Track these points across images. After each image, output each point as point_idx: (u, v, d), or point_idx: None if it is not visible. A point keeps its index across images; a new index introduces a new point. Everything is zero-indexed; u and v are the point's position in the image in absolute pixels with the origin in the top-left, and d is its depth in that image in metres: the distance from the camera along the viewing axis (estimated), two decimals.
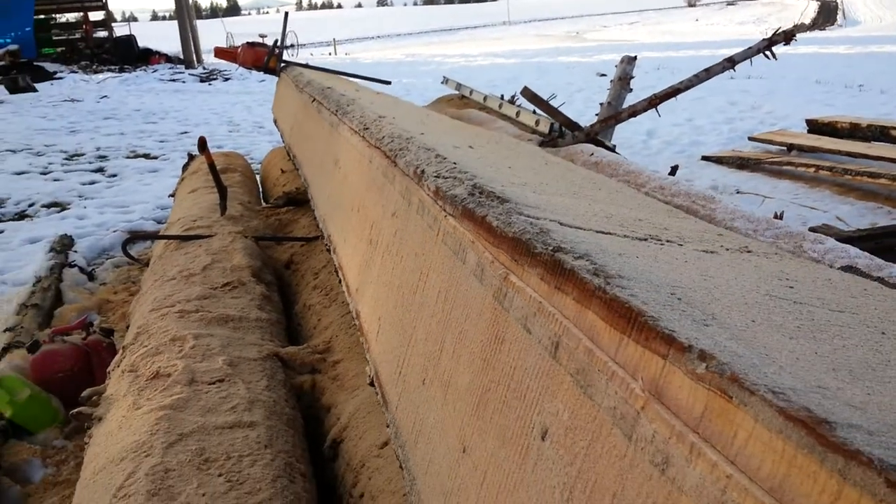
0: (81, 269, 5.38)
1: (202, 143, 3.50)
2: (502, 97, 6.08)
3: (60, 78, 18.89)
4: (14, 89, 15.70)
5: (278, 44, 5.66)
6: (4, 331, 4.29)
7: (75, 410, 2.40)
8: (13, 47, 19.70)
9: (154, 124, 11.91)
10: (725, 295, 0.87)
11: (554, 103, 5.15)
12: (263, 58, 5.71)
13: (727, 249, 1.20)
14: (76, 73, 20.23)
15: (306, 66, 5.80)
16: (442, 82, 7.17)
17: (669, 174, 4.04)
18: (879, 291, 1.08)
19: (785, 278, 1.03)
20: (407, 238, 1.61)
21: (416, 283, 1.46)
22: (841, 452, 0.49)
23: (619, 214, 1.36)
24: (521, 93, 4.93)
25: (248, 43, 5.79)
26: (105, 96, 14.99)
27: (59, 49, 23.61)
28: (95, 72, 20.38)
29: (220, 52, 6.45)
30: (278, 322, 3.01)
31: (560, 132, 5.09)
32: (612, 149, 5.14)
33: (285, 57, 6.02)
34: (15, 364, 3.73)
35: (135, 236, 4.14)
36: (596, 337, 0.80)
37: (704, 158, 8.70)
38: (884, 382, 0.65)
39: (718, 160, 8.49)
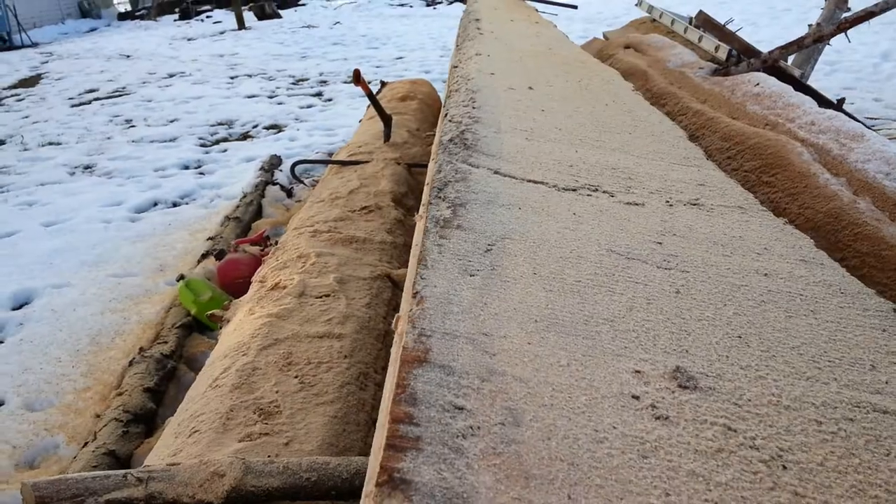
0: (282, 187, 5.93)
1: (356, 76, 3.76)
2: (690, 21, 5.81)
3: (304, 4, 20.22)
4: (261, 16, 17.09)
5: None
6: (207, 239, 4.90)
7: (209, 312, 2.79)
8: None
9: (375, 49, 12.54)
10: (558, 247, 0.95)
11: (732, 27, 4.90)
12: None
13: (667, 202, 1.24)
14: None
15: None
16: (636, 4, 6.95)
17: (836, 108, 3.78)
18: (778, 247, 1.08)
19: (672, 235, 1.07)
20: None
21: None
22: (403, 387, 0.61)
23: (596, 163, 1.42)
24: (696, 17, 4.74)
25: None
26: (338, 22, 15.93)
27: None
28: None
29: None
30: (405, 245, 3.25)
31: (738, 58, 4.85)
32: (798, 77, 4.82)
33: None
34: (208, 269, 4.30)
35: (301, 161, 4.55)
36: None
37: None
38: (567, 335, 0.73)
39: None
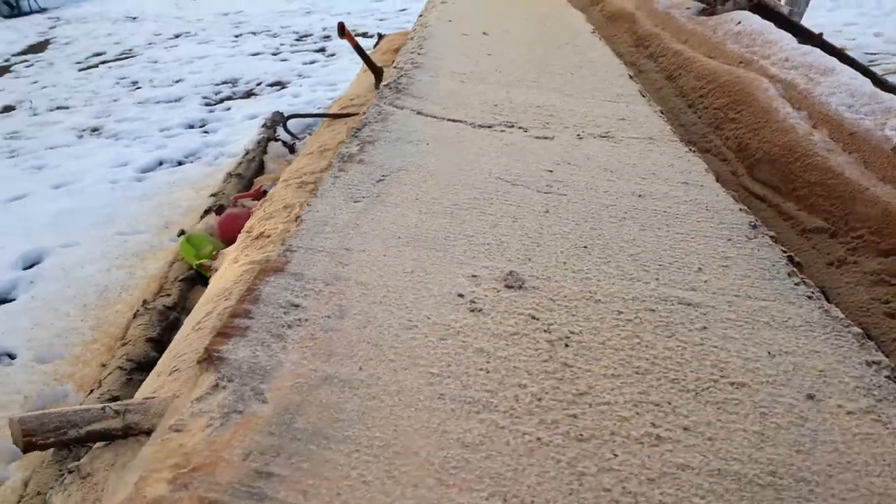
0: (284, 143, 6.02)
1: (341, 28, 3.82)
2: None
3: None
4: None
5: None
6: (210, 196, 5.03)
7: (197, 262, 2.92)
8: None
9: (379, 2, 12.50)
10: (449, 176, 1.06)
11: None
12: None
13: (578, 136, 1.34)
14: None
15: None
16: None
17: (815, 44, 3.80)
18: (667, 172, 1.18)
19: (567, 164, 1.17)
20: None
21: None
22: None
23: (524, 101, 1.51)
24: None
25: None
26: None
27: None
28: None
29: None
30: None
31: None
32: (786, 15, 4.83)
33: None
34: (209, 224, 4.44)
35: (293, 115, 4.64)
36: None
37: None
38: (424, 249, 0.84)
39: None
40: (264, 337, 0.64)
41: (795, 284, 0.83)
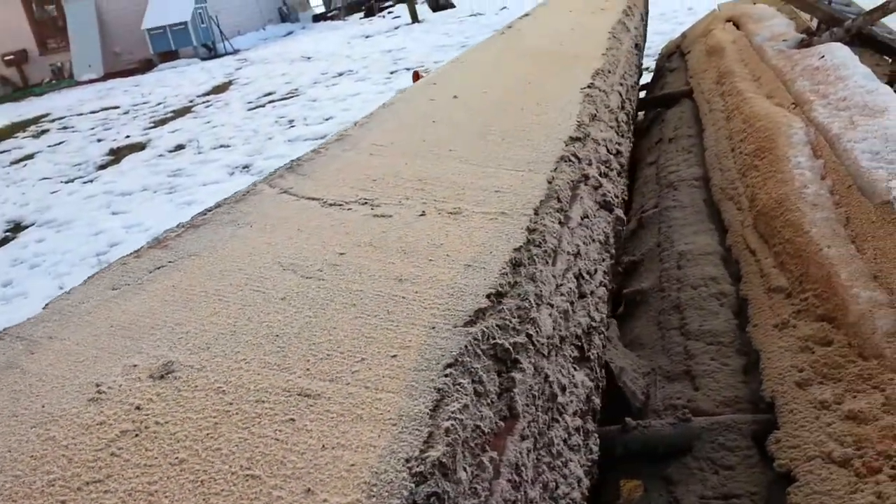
0: None
1: (416, 77, 4.04)
2: None
3: None
4: (435, 7, 17.72)
5: None
6: None
7: None
8: None
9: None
10: (227, 262, 1.20)
11: None
12: None
13: (422, 213, 1.43)
14: None
15: None
16: None
17: None
18: (466, 252, 1.25)
19: (368, 245, 1.28)
20: None
21: None
22: None
23: (412, 175, 1.63)
24: None
25: None
26: (504, 7, 16.12)
27: None
28: None
29: None
30: None
31: (826, 28, 4.68)
32: (889, 44, 4.56)
33: None
34: None
35: None
36: None
37: None
38: (122, 338, 0.99)
39: None
40: None
41: (444, 376, 0.90)
